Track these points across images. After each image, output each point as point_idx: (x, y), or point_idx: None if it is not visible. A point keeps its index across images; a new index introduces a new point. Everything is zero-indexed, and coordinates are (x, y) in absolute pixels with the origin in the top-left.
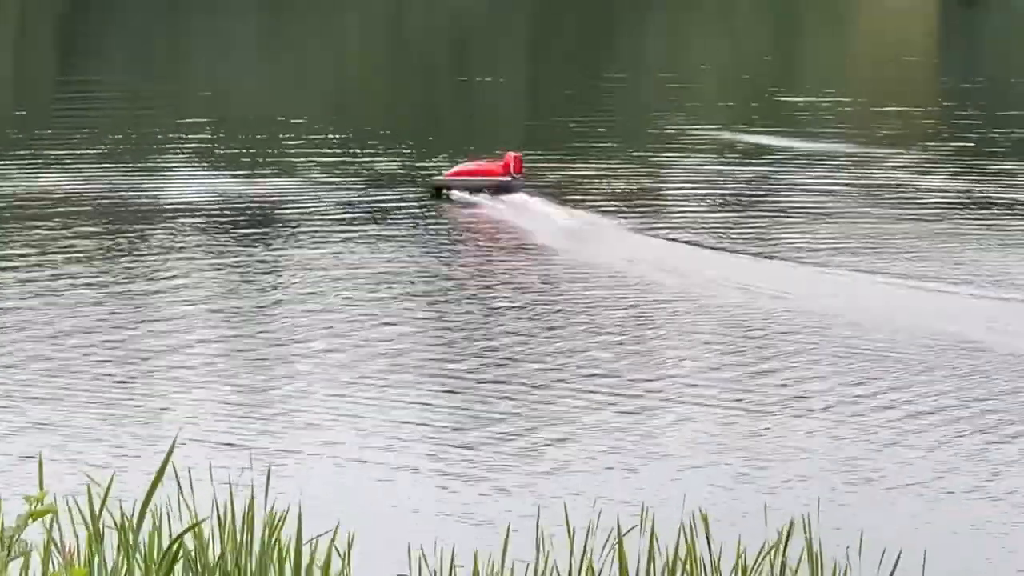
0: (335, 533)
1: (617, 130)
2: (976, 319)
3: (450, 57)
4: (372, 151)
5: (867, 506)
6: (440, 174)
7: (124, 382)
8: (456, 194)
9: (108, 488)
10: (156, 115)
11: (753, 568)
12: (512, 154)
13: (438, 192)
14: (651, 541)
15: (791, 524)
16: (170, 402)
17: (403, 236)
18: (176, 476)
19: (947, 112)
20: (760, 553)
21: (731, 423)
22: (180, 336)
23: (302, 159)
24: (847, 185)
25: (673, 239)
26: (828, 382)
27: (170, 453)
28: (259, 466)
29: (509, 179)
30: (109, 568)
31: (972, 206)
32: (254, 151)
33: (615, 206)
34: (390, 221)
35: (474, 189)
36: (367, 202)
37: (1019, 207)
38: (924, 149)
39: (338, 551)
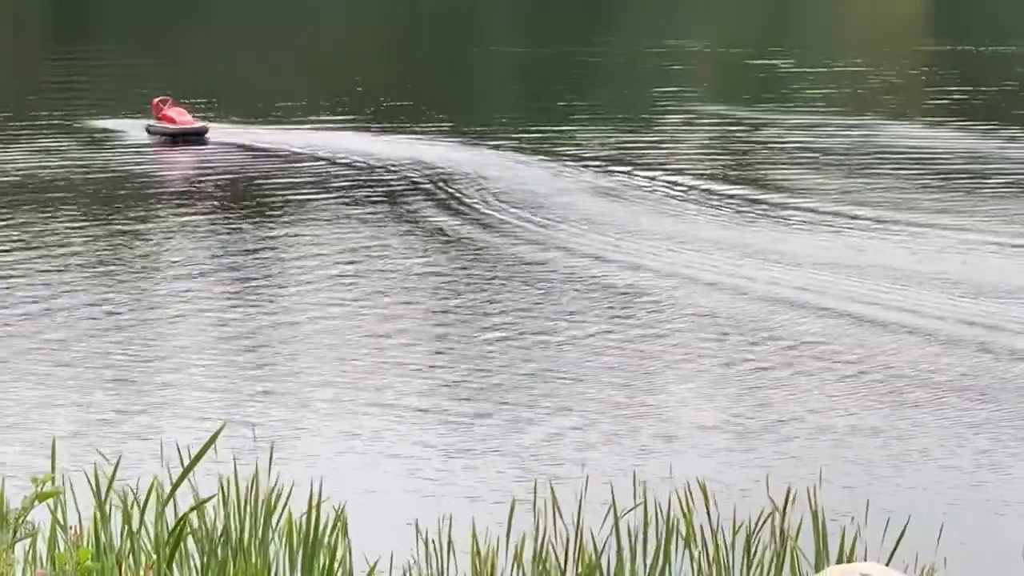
0: (339, 511)
1: (607, 100)
2: (974, 287)
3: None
4: (364, 124)
5: (872, 475)
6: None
7: (126, 364)
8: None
9: (115, 469)
10: (151, 91)
11: (754, 536)
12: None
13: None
14: (645, 513)
15: (793, 493)
16: (173, 382)
17: (398, 212)
18: (180, 455)
19: (940, 79)
20: (759, 521)
21: (729, 393)
22: (181, 315)
23: (297, 133)
24: (838, 151)
25: (662, 211)
26: (829, 349)
27: (214, 437)
28: (262, 444)
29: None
30: (116, 548)
31: (961, 173)
32: (251, 126)
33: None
34: (392, 199)
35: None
36: (365, 178)
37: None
38: (913, 116)
39: (340, 527)
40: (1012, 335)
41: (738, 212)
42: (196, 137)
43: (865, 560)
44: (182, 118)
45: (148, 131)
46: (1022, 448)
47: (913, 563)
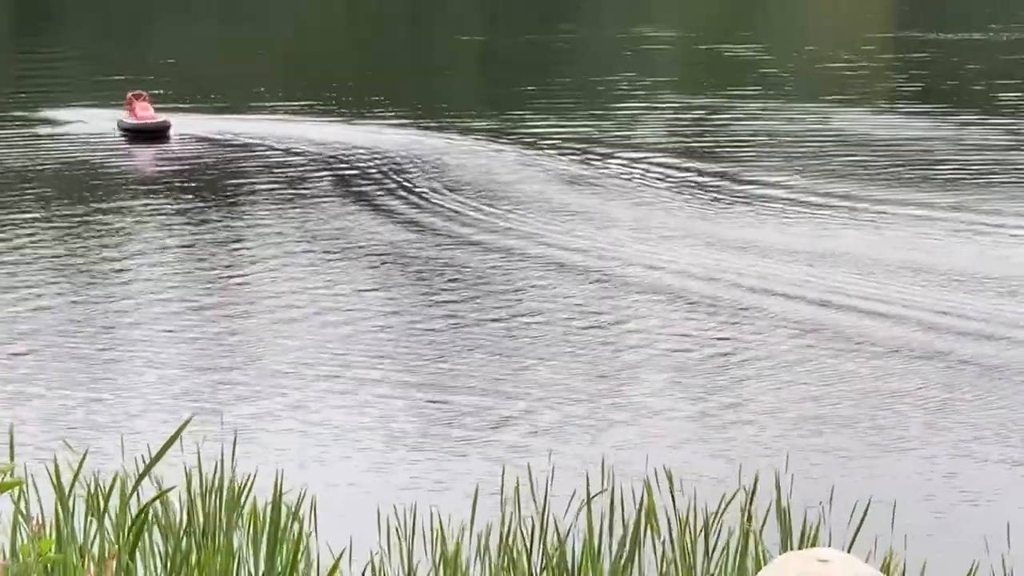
0: (303, 500)
1: (573, 86)
2: (945, 270)
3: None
4: (330, 114)
5: (839, 463)
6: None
7: (91, 354)
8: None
9: (81, 461)
10: (117, 81)
11: (715, 520)
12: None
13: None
14: (612, 499)
15: (759, 480)
16: (137, 371)
17: (361, 200)
18: (148, 445)
19: (902, 65)
20: (722, 504)
21: (697, 382)
22: (145, 305)
23: (263, 122)
24: (803, 137)
25: (627, 198)
26: (794, 335)
27: (181, 429)
28: (227, 434)
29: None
30: (79, 539)
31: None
32: (214, 116)
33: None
34: (352, 186)
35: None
36: (331, 167)
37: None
38: (880, 103)
39: (305, 516)
40: (977, 322)
41: (704, 199)
42: (157, 133)
43: (829, 546)
44: (144, 113)
45: (118, 126)
46: (990, 436)
47: (874, 550)
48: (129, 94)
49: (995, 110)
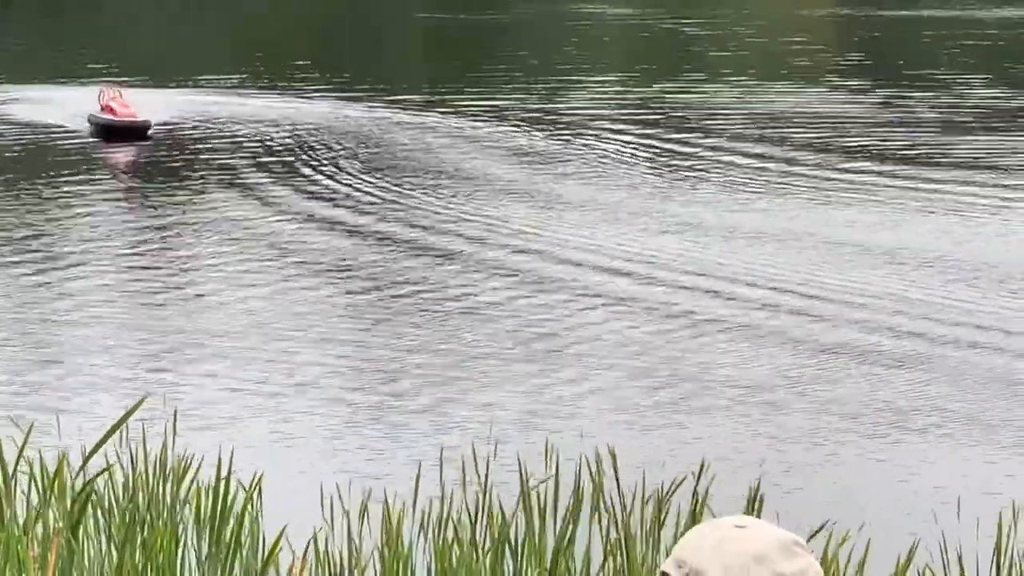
0: (249, 480)
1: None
2: (900, 255)
3: None
4: (279, 91)
5: (783, 442)
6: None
7: (37, 335)
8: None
9: (25, 440)
10: (67, 59)
11: (663, 501)
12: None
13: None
14: (556, 481)
15: (705, 462)
16: (80, 350)
17: (305, 182)
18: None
19: (847, 43)
20: (670, 487)
21: (643, 365)
22: (87, 285)
23: (217, 103)
24: (752, 115)
25: (574, 177)
26: (742, 319)
27: (132, 411)
28: (171, 413)
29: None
30: (22, 518)
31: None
32: (164, 91)
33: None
34: (291, 164)
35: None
36: (286, 149)
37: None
38: (826, 82)
39: (249, 495)
40: (919, 304)
41: (652, 179)
42: (136, 132)
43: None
44: (124, 110)
45: (89, 121)
46: (925, 415)
47: (812, 526)
48: (102, 88)
49: (940, 87)
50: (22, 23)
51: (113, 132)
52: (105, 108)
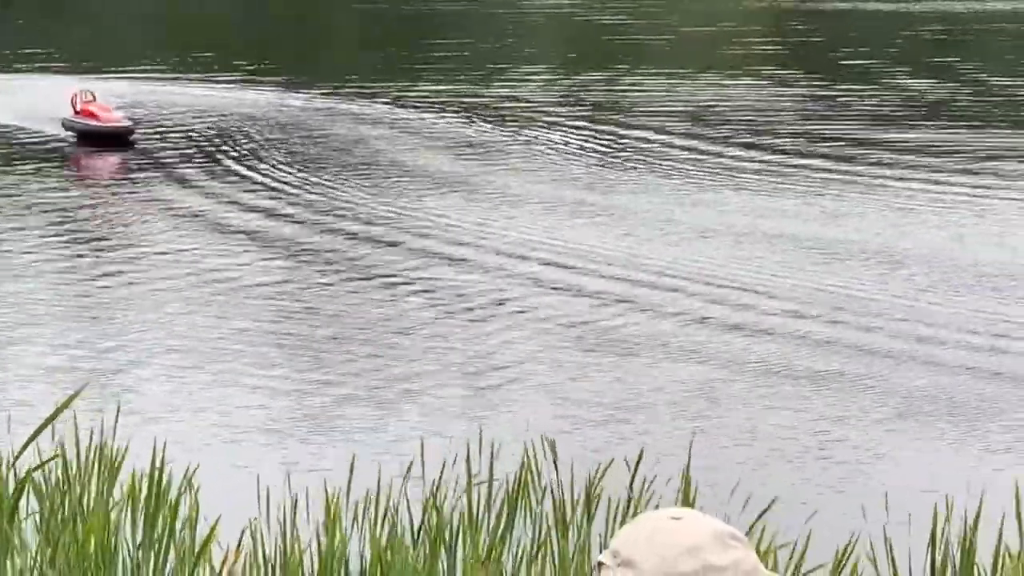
0: (190, 472)
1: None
2: (836, 246)
3: None
4: (216, 80)
5: (721, 434)
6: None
7: None
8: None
9: None
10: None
11: (594, 489)
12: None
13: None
14: (491, 472)
15: (644, 452)
16: (15, 341)
17: (237, 169)
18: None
19: (787, 35)
20: (604, 476)
21: (578, 356)
22: (18, 275)
23: (154, 92)
24: (687, 107)
25: (513, 168)
26: (679, 310)
27: (69, 401)
28: (107, 404)
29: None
30: None
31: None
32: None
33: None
34: (227, 154)
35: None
36: (216, 138)
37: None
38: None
39: (185, 486)
40: (859, 299)
41: (588, 170)
42: (121, 138)
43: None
44: (106, 115)
45: (64, 126)
46: (863, 411)
47: (750, 519)
48: (76, 92)
49: (873, 79)
50: None
51: (95, 138)
52: (83, 113)
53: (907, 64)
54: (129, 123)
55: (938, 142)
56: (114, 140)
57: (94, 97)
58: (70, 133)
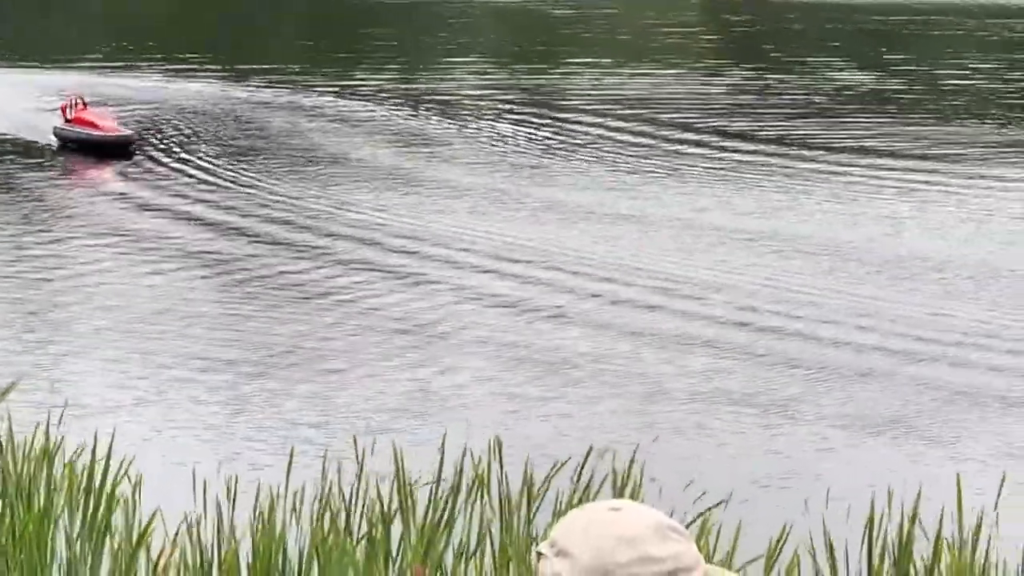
0: (121, 462)
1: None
2: (767, 239)
3: None
4: (146, 69)
5: (665, 429)
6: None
7: None
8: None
9: None
10: None
11: (540, 485)
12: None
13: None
14: (440, 468)
15: (592, 448)
16: None
17: (180, 163)
18: None
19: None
20: (550, 470)
21: (520, 352)
22: None
23: (75, 76)
24: (622, 99)
25: (449, 157)
26: (621, 304)
27: (4, 393)
28: (45, 396)
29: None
30: None
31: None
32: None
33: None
34: (162, 145)
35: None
36: (143, 124)
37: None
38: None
39: (123, 478)
40: (800, 290)
41: (526, 163)
42: (123, 148)
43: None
44: (104, 123)
45: (56, 135)
46: (803, 406)
47: (690, 511)
48: (68, 100)
49: (810, 71)
50: None
51: (95, 148)
52: (76, 121)
53: (847, 56)
54: (131, 132)
55: (877, 134)
56: (116, 150)
57: (85, 104)
58: (61, 142)
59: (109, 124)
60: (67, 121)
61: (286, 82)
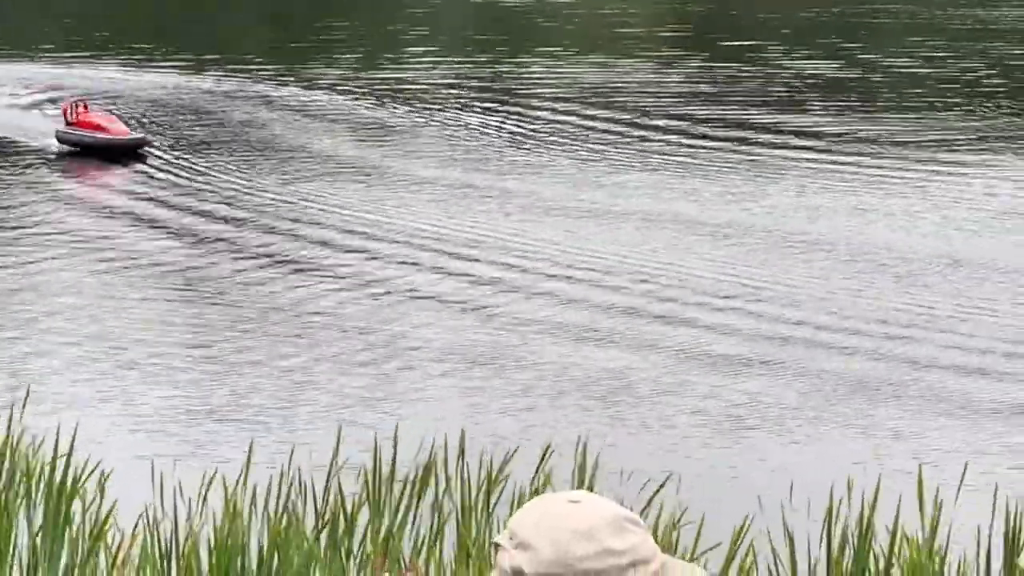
0: (88, 460)
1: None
2: (728, 230)
3: None
4: (105, 59)
5: (624, 424)
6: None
7: None
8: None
9: None
10: None
11: (499, 478)
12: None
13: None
14: (394, 461)
15: (550, 443)
16: None
17: (143, 162)
18: None
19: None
20: (508, 462)
21: (482, 349)
22: None
23: (53, 75)
24: (584, 90)
25: (411, 150)
26: (577, 295)
27: None
28: (8, 392)
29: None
30: None
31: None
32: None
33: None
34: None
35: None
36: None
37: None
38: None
39: (87, 475)
40: (761, 287)
41: (494, 154)
42: (133, 150)
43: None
44: (113, 126)
45: (59, 139)
46: (764, 404)
47: (648, 503)
48: (69, 103)
49: (770, 61)
50: None
51: (104, 151)
52: (81, 124)
53: (806, 46)
54: (142, 134)
55: (836, 124)
56: (126, 153)
57: (86, 106)
58: (65, 146)
59: (118, 127)
60: (69, 124)
61: (244, 72)
